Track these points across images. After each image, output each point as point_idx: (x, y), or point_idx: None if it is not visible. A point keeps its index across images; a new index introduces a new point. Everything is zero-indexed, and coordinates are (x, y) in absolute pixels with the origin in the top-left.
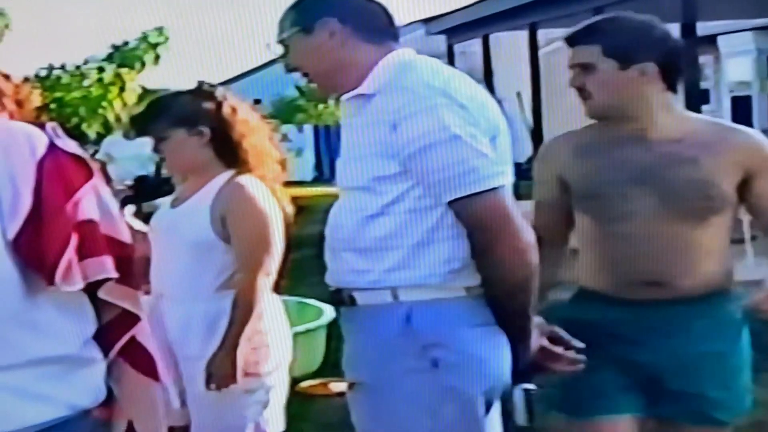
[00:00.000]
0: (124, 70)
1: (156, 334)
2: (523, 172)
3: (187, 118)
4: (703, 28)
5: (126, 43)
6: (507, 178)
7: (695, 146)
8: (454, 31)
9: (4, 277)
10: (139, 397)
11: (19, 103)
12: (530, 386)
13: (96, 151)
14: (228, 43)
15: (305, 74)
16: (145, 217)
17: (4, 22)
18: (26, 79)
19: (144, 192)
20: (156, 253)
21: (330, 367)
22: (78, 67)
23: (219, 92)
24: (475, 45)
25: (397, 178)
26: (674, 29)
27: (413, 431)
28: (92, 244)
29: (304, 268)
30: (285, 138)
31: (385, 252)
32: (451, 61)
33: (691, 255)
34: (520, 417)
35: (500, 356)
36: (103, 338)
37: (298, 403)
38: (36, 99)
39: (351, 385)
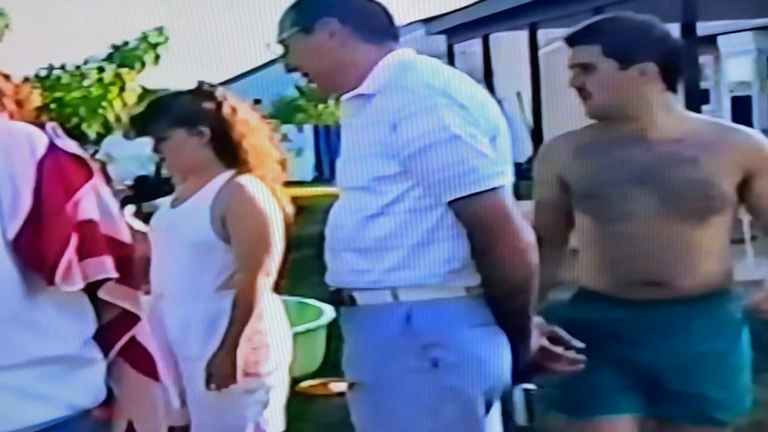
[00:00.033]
0: (124, 70)
1: (156, 334)
2: (522, 172)
3: (187, 118)
4: (703, 28)
5: (126, 43)
6: (507, 178)
7: (695, 146)
8: (454, 31)
9: (4, 277)
10: (139, 397)
11: (19, 103)
12: (530, 386)
13: (96, 151)
14: (228, 43)
15: (305, 74)
16: (145, 217)
17: (4, 21)
18: (26, 79)
19: (144, 192)
20: (156, 253)
21: (330, 367)
22: (78, 67)
23: (219, 92)
24: (475, 45)
25: (397, 178)
26: (674, 29)
27: (413, 431)
28: (92, 244)
29: (304, 268)
30: (285, 138)
31: (385, 252)
32: (451, 61)
33: (691, 255)
34: (520, 417)
35: (500, 356)
36: (103, 338)
37: (298, 403)
38: (36, 99)
39: (351, 385)
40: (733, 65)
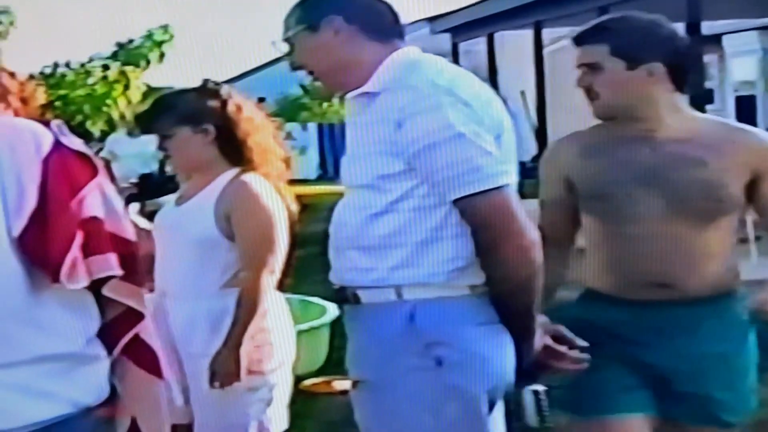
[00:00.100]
0: (128, 68)
1: (160, 331)
2: (527, 170)
3: (192, 115)
4: (707, 27)
5: (131, 41)
6: (512, 177)
7: (703, 147)
8: (459, 29)
9: (9, 275)
10: (143, 394)
11: (24, 101)
12: (539, 387)
13: (100, 149)
14: (233, 41)
15: (310, 72)
16: (150, 215)
17: (9, 19)
18: (31, 77)
19: (148, 190)
20: (160, 250)
21: (333, 365)
22: (83, 65)
23: (224, 90)
24: (479, 43)
25: (401, 176)
26: (679, 29)
27: (416, 429)
28: (97, 242)
29: (308, 266)
30: (289, 136)
31: (390, 250)
32: (455, 59)
33: (697, 256)
34: (531, 419)
35: (504, 355)
36: (107, 336)
37: (301, 401)
38: (41, 96)
39: (354, 383)
40: (737, 65)
